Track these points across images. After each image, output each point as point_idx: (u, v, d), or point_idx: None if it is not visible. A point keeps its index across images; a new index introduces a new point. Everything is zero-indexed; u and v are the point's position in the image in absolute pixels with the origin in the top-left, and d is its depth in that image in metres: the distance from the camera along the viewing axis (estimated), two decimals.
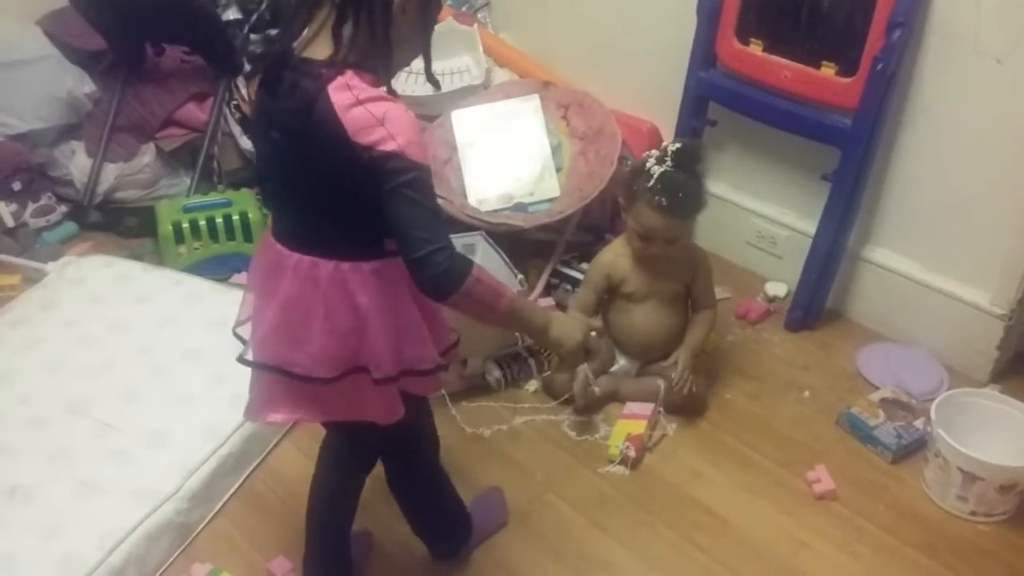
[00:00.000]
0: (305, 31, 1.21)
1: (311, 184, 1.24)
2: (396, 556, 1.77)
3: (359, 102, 1.15)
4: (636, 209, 1.99)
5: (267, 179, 1.35)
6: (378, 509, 1.84)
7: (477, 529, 1.74)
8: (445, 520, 1.69)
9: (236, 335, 1.40)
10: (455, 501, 1.68)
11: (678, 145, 1.99)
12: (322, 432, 2.02)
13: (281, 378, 1.32)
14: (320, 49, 1.19)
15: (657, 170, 1.95)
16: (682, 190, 1.95)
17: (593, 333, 1.53)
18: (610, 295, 2.14)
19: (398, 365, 1.29)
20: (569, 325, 1.43)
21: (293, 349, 1.29)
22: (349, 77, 1.16)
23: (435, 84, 1.33)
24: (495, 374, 2.12)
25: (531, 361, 2.18)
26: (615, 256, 2.10)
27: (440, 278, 1.20)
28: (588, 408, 2.09)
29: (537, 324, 1.40)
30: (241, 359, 1.37)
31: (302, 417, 1.41)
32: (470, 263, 1.23)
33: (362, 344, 1.28)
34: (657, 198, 1.93)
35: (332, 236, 1.25)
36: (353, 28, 1.17)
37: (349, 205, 1.23)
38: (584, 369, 2.02)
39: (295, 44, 1.21)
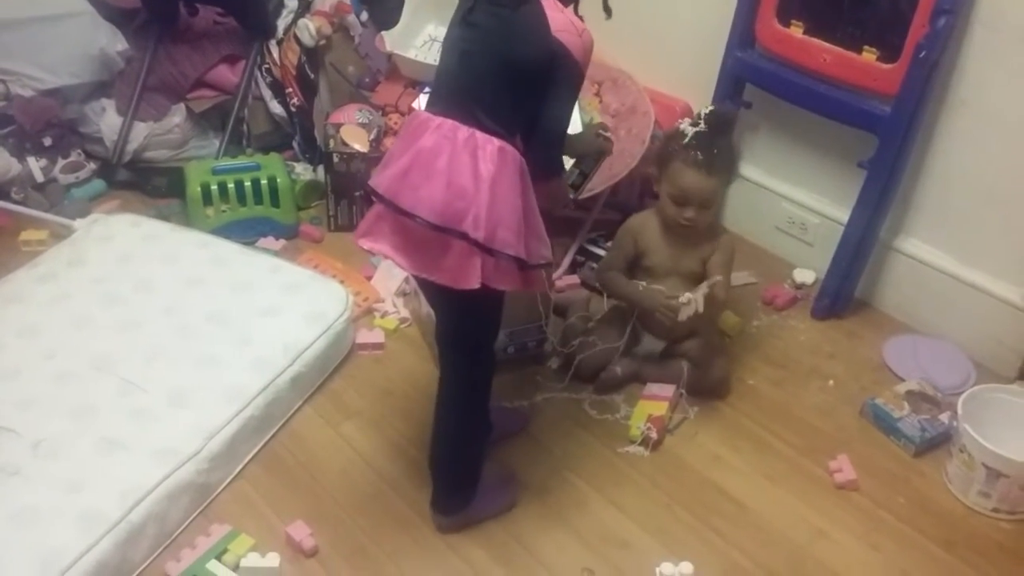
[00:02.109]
0: None
1: (488, 66, 1.46)
2: (413, 522, 1.77)
3: (564, 13, 1.49)
4: (671, 171, 1.96)
5: (447, 62, 1.53)
6: (398, 476, 1.86)
7: (483, 500, 1.76)
8: (462, 463, 1.72)
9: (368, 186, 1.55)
10: (477, 456, 1.73)
11: (711, 108, 1.98)
12: (344, 404, 2.04)
13: (390, 215, 1.48)
14: None
15: (691, 130, 1.94)
16: (717, 147, 1.93)
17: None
18: (633, 270, 2.12)
19: (491, 239, 1.43)
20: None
21: (411, 193, 1.45)
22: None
23: (608, 12, 1.64)
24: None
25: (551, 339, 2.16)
26: (643, 225, 2.08)
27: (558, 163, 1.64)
28: (608, 385, 2.08)
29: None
30: (368, 186, 1.53)
31: (393, 256, 1.51)
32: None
33: (467, 209, 1.42)
34: (693, 153, 1.92)
35: (480, 112, 1.45)
36: None
37: (509, 90, 1.46)
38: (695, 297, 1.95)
39: None
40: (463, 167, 1.42)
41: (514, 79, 1.46)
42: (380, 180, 1.50)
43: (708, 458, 1.96)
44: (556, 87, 1.50)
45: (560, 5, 1.48)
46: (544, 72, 1.47)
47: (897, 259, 2.34)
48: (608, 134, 1.88)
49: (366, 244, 1.54)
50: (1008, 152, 2.06)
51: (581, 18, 1.57)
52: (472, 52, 1.48)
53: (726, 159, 1.97)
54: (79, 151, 2.74)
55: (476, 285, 1.44)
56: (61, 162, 2.68)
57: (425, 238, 1.45)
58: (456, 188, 1.42)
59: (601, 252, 2.39)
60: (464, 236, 1.42)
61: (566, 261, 2.43)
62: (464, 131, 1.44)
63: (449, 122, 1.45)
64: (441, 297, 1.59)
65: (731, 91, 2.40)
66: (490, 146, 1.43)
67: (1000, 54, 2.00)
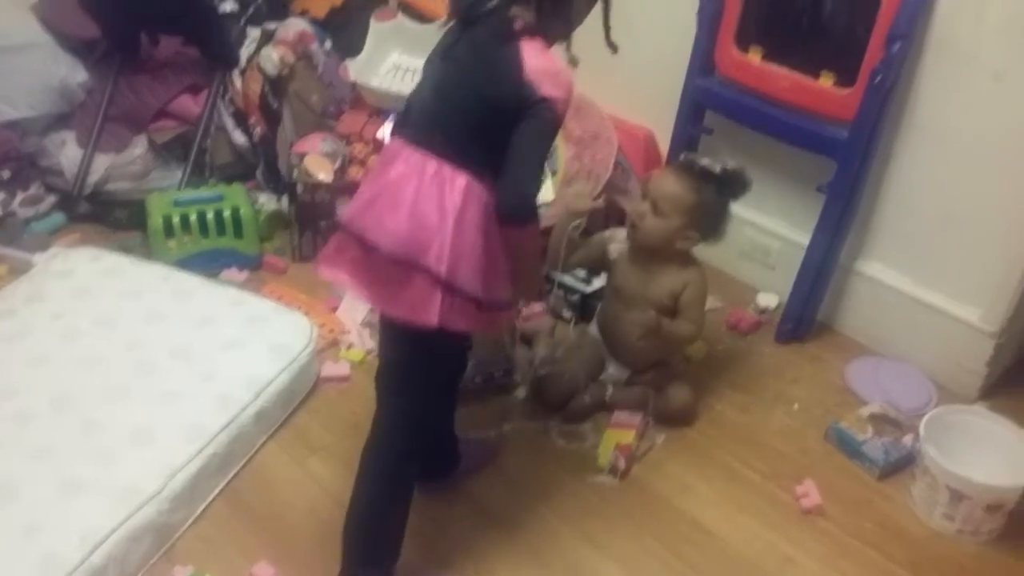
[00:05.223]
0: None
1: (461, 100, 1.47)
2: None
3: (543, 55, 1.45)
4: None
5: (422, 92, 1.54)
6: None
7: None
8: (380, 530, 1.63)
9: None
10: (397, 527, 1.64)
11: (738, 167, 1.98)
12: (309, 439, 2.02)
13: (353, 244, 1.48)
14: (520, 12, 1.47)
15: (706, 160, 1.96)
16: (698, 168, 1.95)
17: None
18: (604, 289, 2.15)
19: (453, 275, 1.42)
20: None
21: (375, 223, 1.45)
22: (537, 39, 1.47)
23: (613, 48, 1.61)
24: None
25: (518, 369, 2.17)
26: (617, 240, 2.10)
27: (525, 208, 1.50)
28: (576, 414, 2.09)
29: None
30: (338, 219, 1.58)
31: (353, 287, 1.50)
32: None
33: (431, 241, 1.41)
34: (679, 159, 1.99)
35: (451, 147, 1.44)
36: (551, 7, 1.50)
37: (480, 127, 1.45)
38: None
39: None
40: (429, 199, 1.42)
41: (484, 115, 1.45)
42: (346, 210, 1.50)
43: (676, 487, 1.96)
44: (525, 129, 1.44)
45: (543, 46, 1.47)
46: (514, 113, 1.44)
47: (858, 282, 2.37)
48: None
49: (326, 273, 1.53)
50: (964, 174, 2.10)
51: (574, 56, 1.54)
52: (447, 86, 1.49)
53: (701, 183, 1.96)
54: (39, 184, 2.70)
55: (434, 322, 1.41)
56: (20, 195, 2.65)
57: (386, 270, 1.44)
58: (420, 219, 1.41)
59: (567, 279, 2.39)
60: (427, 270, 1.41)
61: None
62: (433, 164, 1.43)
63: (418, 154, 1.45)
64: (392, 332, 1.56)
65: (692, 118, 2.43)
66: (458, 180, 1.43)
67: (953, 79, 2.03)
